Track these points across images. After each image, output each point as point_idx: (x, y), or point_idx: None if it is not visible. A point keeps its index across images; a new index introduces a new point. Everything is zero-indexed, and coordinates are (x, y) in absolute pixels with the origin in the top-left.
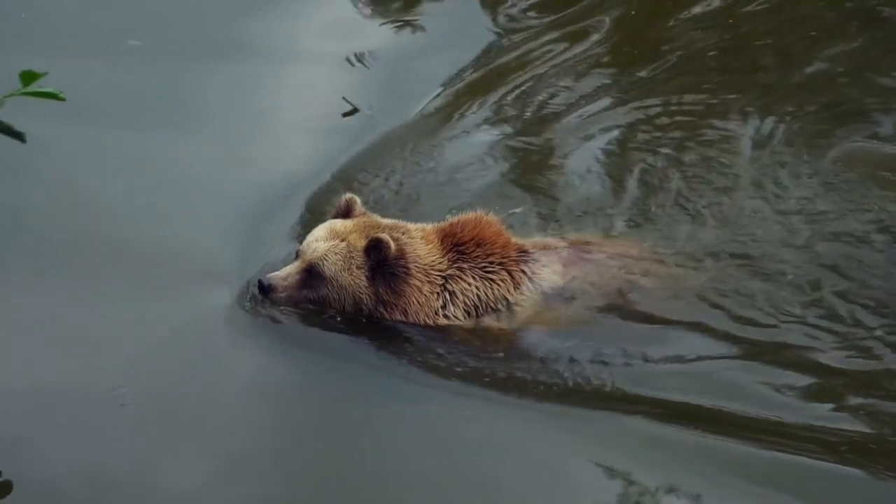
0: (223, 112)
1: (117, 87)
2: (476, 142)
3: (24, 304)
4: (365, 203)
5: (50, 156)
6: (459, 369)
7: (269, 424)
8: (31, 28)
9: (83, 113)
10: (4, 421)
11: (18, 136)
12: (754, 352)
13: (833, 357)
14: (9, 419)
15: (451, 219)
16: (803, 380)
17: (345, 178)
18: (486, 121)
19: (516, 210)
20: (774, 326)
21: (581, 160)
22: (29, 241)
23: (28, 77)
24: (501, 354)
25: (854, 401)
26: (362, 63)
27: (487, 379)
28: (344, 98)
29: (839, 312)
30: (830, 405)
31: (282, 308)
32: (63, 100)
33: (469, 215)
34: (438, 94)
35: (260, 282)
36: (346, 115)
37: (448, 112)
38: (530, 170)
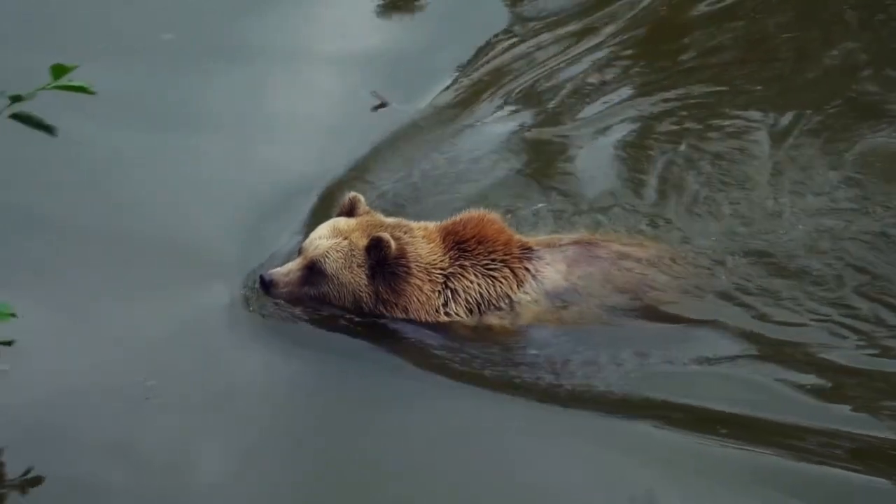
0: (233, 111)
1: (127, 85)
2: (493, 135)
3: (42, 300)
4: (375, 200)
5: (60, 153)
6: (465, 368)
7: (281, 420)
8: (37, 27)
9: (93, 111)
10: (31, 416)
11: (48, 130)
12: (771, 353)
13: (853, 357)
14: (36, 414)
15: (454, 217)
16: (822, 381)
17: (356, 174)
18: (503, 113)
19: (540, 205)
20: (793, 326)
21: (602, 155)
22: (43, 237)
23: (59, 70)
24: (506, 353)
25: (877, 404)
26: (373, 59)
27: (493, 378)
28: (372, 92)
29: (862, 311)
30: (849, 407)
31: (288, 305)
32: (93, 93)
33: (472, 213)
34: (452, 89)
35: (261, 277)
36: (375, 108)
37: (463, 106)
38: (550, 164)
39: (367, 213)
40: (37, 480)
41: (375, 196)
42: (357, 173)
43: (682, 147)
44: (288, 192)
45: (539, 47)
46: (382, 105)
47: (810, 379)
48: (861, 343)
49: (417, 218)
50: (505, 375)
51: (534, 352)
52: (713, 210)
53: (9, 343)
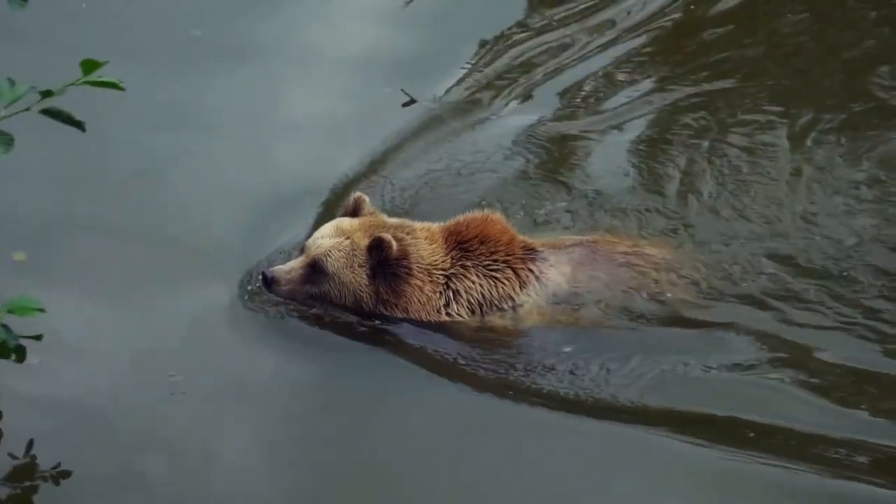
0: (244, 111)
1: (140, 86)
2: (511, 133)
3: (66, 296)
4: (394, 197)
5: (70, 151)
6: (468, 369)
7: (296, 414)
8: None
9: (109, 109)
10: (61, 409)
11: (78, 125)
12: (791, 357)
13: (879, 362)
14: (64, 407)
15: (458, 217)
16: (846, 387)
17: (373, 172)
18: (521, 110)
19: (561, 203)
20: (814, 329)
21: (622, 152)
22: (53, 233)
23: (89, 66)
24: (510, 355)
25: None
26: (388, 56)
27: (497, 379)
28: (402, 90)
29: (888, 314)
30: (867, 413)
31: (293, 304)
32: (123, 89)
33: (476, 214)
34: (468, 86)
35: (263, 274)
36: (404, 105)
37: (481, 102)
38: (570, 162)
39: (371, 213)
40: (66, 473)
41: (392, 193)
42: (374, 171)
43: (705, 145)
44: (303, 191)
45: (559, 41)
46: (411, 102)
47: (832, 385)
48: (891, 347)
49: (434, 216)
50: (509, 377)
51: (537, 355)
52: (733, 211)
53: (38, 338)
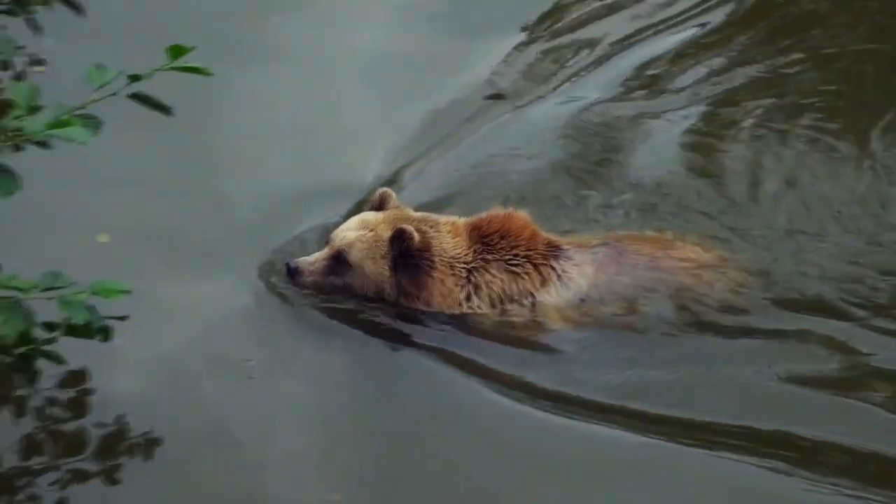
0: (286, 111)
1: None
2: (567, 117)
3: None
4: (426, 190)
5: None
6: (490, 363)
7: (333, 400)
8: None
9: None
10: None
11: (164, 110)
12: (839, 370)
13: None
14: (153, 388)
15: (483, 213)
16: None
17: (413, 164)
18: (583, 92)
19: (625, 196)
20: (871, 332)
21: (682, 141)
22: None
23: (176, 51)
24: (533, 351)
25: None
26: (431, 45)
27: (517, 375)
28: (486, 82)
29: None
30: None
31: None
32: (210, 75)
33: (500, 210)
34: (528, 63)
35: (287, 265)
36: (487, 97)
37: (530, 88)
38: (618, 154)
39: (397, 207)
40: (157, 441)
41: (439, 180)
42: (414, 163)
43: (771, 136)
44: (344, 185)
45: (622, 21)
46: (497, 96)
47: (853, 398)
48: None
49: (479, 205)
50: (531, 376)
51: (557, 354)
52: (793, 208)
53: (123, 318)
